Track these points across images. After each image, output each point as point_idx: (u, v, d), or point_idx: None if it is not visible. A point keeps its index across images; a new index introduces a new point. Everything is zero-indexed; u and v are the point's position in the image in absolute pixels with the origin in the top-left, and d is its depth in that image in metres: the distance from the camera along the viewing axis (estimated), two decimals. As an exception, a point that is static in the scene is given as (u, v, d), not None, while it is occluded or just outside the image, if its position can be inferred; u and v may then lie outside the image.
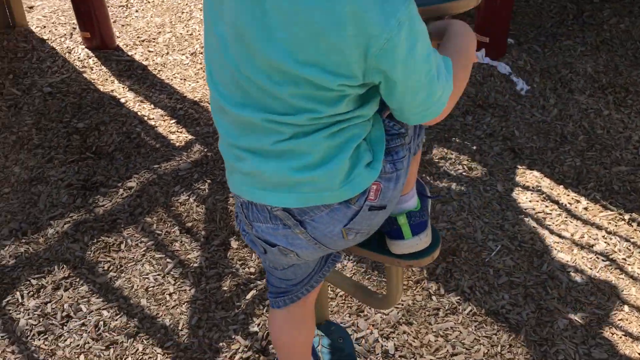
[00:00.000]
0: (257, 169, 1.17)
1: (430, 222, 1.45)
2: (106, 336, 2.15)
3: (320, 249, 1.26)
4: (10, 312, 2.24)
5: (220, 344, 2.11)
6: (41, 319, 2.21)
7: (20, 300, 2.27)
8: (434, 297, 2.27)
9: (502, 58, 3.47)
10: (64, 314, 2.23)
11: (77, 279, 2.35)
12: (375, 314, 2.18)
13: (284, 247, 1.26)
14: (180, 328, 2.17)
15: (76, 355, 2.10)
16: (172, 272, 2.36)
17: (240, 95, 1.13)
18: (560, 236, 2.52)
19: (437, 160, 2.88)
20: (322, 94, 1.07)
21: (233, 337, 2.13)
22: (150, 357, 2.09)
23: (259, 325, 2.15)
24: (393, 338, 2.10)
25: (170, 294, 2.29)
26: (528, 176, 2.81)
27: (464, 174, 2.81)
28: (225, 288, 2.29)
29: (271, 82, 1.07)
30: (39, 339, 2.15)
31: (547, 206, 2.66)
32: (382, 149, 1.19)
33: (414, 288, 2.29)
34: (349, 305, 2.22)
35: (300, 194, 1.17)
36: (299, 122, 1.10)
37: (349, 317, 2.17)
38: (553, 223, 2.58)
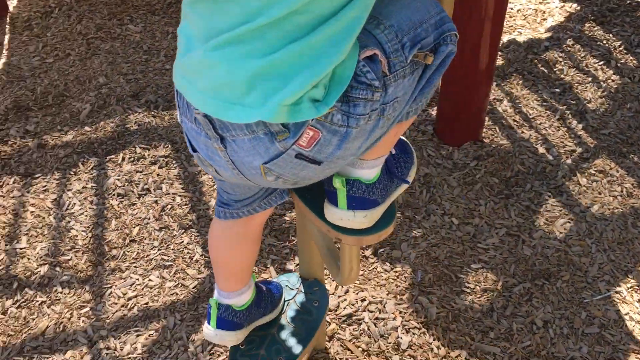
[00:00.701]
0: (208, 55, 0.94)
1: (386, 206, 1.17)
2: (164, 219, 2.22)
3: (241, 177, 1.08)
4: (108, 168, 2.43)
5: (254, 268, 2.05)
6: (126, 184, 2.36)
7: (119, 162, 2.45)
8: (494, 314, 1.92)
9: None
10: (146, 187, 2.35)
11: (173, 161, 2.45)
12: (414, 302, 1.92)
13: (204, 158, 1.10)
14: (227, 238, 2.15)
15: (133, 225, 2.21)
16: (252, 185, 2.34)
17: None
18: (702, 312, 1.95)
19: (594, 172, 2.38)
20: None
21: (268, 266, 2.05)
22: (188, 252, 2.11)
23: (296, 266, 2.04)
24: (414, 334, 1.84)
25: (238, 204, 2.27)
26: None
27: (619, 197, 2.29)
28: (287, 218, 2.20)
29: None
30: (115, 200, 2.31)
31: None
32: (338, 92, 0.95)
33: (478, 294, 1.96)
34: (397, 283, 1.99)
35: (219, 101, 0.95)
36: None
37: (386, 294, 1.94)
38: (702, 293, 2.00)
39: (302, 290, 1.53)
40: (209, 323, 1.39)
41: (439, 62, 1.05)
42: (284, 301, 1.52)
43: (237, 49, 0.91)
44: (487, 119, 2.58)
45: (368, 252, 2.09)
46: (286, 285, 1.56)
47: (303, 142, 0.97)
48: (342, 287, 1.99)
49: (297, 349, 1.41)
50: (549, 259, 2.07)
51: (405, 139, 1.29)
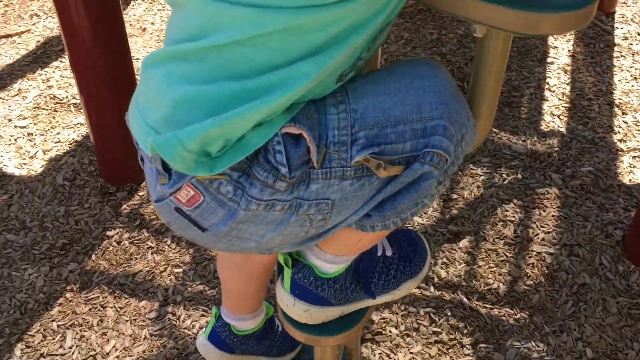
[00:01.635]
0: (153, 65, 0.82)
1: (343, 311, 0.92)
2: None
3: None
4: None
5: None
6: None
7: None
8: None
9: None
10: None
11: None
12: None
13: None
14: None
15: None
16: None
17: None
18: None
19: None
20: None
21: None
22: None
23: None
24: None
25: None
26: None
27: None
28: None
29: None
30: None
31: None
32: (232, 160, 0.76)
33: None
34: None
35: (140, 119, 0.83)
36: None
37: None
38: None
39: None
40: (204, 329, 1.31)
41: (408, 181, 0.79)
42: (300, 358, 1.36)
43: (176, 67, 0.77)
44: (702, 249, 2.00)
45: (466, 341, 1.79)
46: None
47: (182, 198, 0.82)
48: (414, 364, 1.73)
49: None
50: None
51: (424, 244, 1.00)
